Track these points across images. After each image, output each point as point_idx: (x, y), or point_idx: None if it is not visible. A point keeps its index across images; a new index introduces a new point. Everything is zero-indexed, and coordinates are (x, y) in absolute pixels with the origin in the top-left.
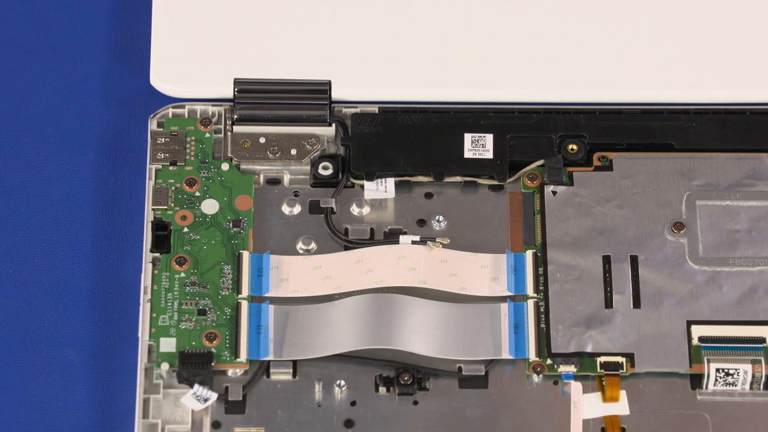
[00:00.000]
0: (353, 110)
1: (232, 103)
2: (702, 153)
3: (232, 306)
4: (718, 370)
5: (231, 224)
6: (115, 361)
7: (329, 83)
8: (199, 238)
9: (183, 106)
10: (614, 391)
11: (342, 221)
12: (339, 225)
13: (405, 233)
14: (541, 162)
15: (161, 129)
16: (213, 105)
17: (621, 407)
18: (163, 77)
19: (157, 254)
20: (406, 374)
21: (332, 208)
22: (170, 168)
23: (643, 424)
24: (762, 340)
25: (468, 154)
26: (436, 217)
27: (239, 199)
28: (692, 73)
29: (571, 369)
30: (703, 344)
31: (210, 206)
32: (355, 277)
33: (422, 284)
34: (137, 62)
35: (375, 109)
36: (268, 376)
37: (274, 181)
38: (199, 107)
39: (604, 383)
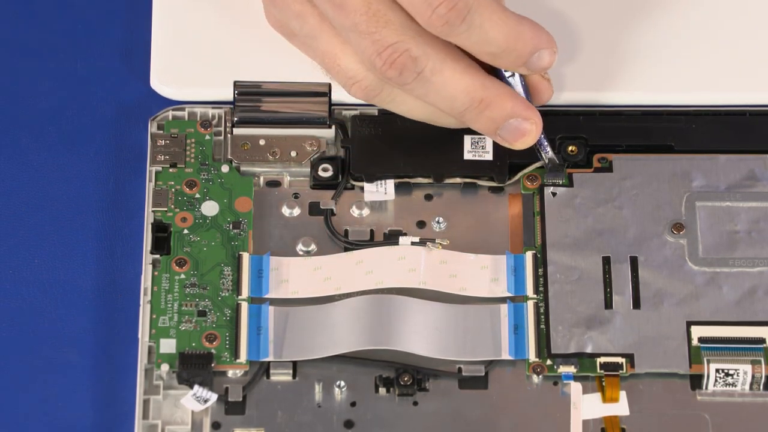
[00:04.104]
0: (353, 112)
1: (232, 106)
2: (702, 154)
3: (232, 307)
4: (717, 370)
5: (231, 226)
6: (115, 362)
7: (329, 86)
8: (199, 239)
9: (183, 109)
10: (614, 391)
11: (342, 223)
12: (339, 226)
13: (405, 234)
14: (539, 164)
15: (161, 131)
16: (213, 107)
17: (621, 408)
18: (163, 80)
19: (157, 256)
20: (406, 375)
21: (332, 210)
22: (170, 170)
23: (643, 424)
24: (762, 340)
25: (468, 155)
26: (436, 219)
27: (239, 201)
28: (692, 75)
29: (570, 369)
30: (702, 345)
31: (210, 208)
32: (355, 278)
33: (422, 285)
34: (138, 65)
35: (375, 111)
36: (268, 377)
37: (274, 183)
38: (199, 110)
39: (603, 384)
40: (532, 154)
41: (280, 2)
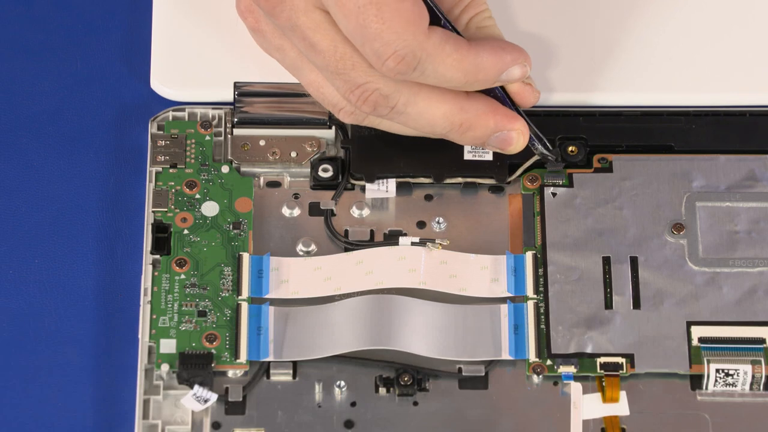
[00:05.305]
0: None
1: (232, 106)
2: (701, 154)
3: (232, 307)
4: (718, 370)
5: (231, 226)
6: (115, 362)
7: None
8: (199, 240)
9: (183, 109)
10: (614, 391)
11: (342, 223)
12: (339, 227)
13: (405, 235)
14: (536, 157)
15: (162, 132)
16: (213, 108)
17: (621, 408)
18: (163, 81)
19: (158, 256)
20: (406, 375)
21: (332, 210)
22: (170, 170)
23: (643, 424)
24: (761, 340)
25: (468, 156)
26: (436, 219)
27: (239, 201)
28: (692, 75)
29: (571, 370)
30: (702, 345)
31: (210, 208)
32: (355, 278)
33: (422, 285)
34: (138, 65)
35: None
36: (268, 377)
37: (274, 184)
38: (199, 110)
39: (604, 384)
40: (532, 154)
41: (260, 35)
